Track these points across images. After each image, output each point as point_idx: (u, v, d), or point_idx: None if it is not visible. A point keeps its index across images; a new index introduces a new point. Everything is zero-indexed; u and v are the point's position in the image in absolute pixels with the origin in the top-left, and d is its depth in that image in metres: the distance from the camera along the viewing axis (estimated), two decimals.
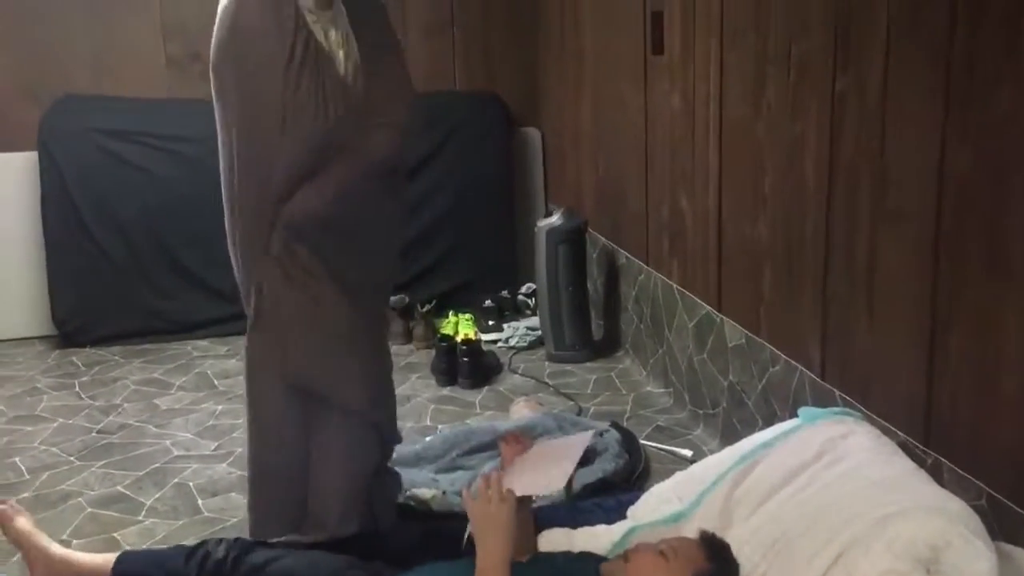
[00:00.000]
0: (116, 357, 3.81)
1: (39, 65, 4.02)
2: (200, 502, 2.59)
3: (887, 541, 1.52)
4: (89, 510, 2.55)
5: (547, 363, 3.61)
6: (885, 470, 1.76)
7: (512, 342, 3.80)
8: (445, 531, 2.02)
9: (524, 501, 1.83)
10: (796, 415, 2.07)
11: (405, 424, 3.06)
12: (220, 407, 3.25)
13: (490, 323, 3.94)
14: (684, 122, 2.93)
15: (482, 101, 4.37)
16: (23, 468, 2.81)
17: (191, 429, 3.08)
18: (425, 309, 3.85)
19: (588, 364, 3.58)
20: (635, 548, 1.71)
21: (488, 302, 4.05)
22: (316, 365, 1.97)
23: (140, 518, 2.50)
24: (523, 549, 1.83)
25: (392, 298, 3.87)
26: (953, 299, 1.78)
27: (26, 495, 2.63)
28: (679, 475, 2.16)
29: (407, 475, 2.53)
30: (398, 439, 2.26)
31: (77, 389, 3.47)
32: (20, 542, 2.07)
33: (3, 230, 4.00)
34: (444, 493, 2.40)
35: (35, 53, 4.02)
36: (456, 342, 3.43)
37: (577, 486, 2.49)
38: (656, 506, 2.07)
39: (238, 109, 1.88)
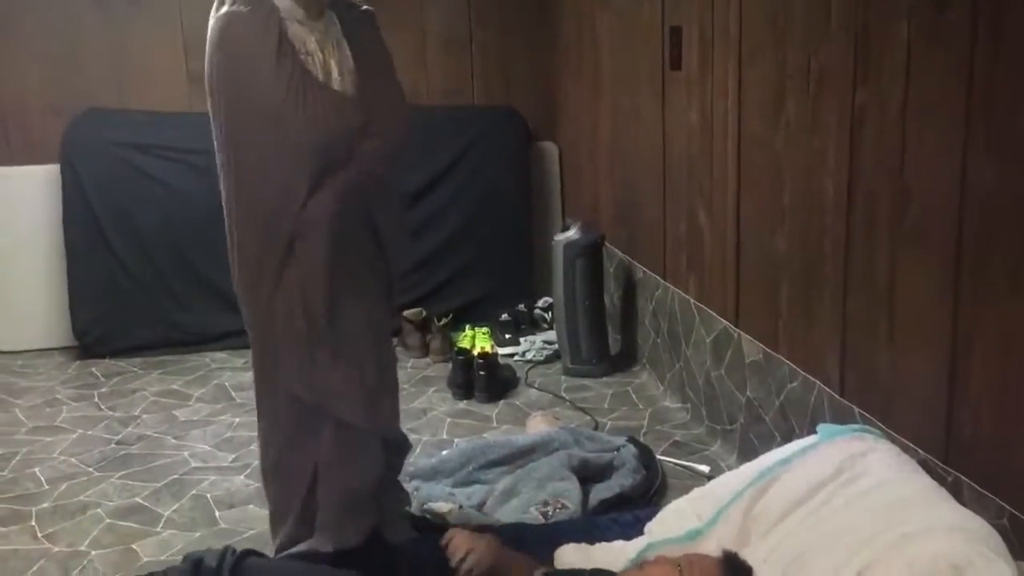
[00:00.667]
0: (135, 368, 3.83)
1: (63, 80, 4.08)
2: (217, 514, 2.59)
3: (908, 561, 1.50)
4: (107, 521, 2.56)
5: (564, 377, 3.61)
6: (905, 488, 1.74)
7: (529, 356, 3.80)
8: None
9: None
10: (815, 431, 2.05)
11: (421, 437, 3.06)
12: (237, 419, 3.26)
13: (507, 337, 3.93)
14: (702, 137, 2.93)
15: (500, 116, 4.39)
16: (42, 479, 2.83)
17: (209, 441, 3.09)
18: (442, 322, 3.86)
19: (605, 378, 3.57)
20: (654, 560, 1.70)
21: (505, 316, 4.05)
22: (305, 377, 1.96)
23: (158, 529, 2.51)
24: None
25: (409, 311, 3.89)
26: (975, 316, 1.76)
27: (45, 505, 2.65)
28: (697, 491, 2.14)
29: (424, 489, 2.54)
30: (407, 445, 2.23)
31: (96, 400, 3.49)
32: None
33: (25, 242, 4.05)
34: (461, 507, 2.40)
35: (59, 68, 4.08)
36: (473, 356, 3.43)
37: (594, 501, 2.48)
38: (674, 522, 2.05)
39: (228, 127, 1.90)
